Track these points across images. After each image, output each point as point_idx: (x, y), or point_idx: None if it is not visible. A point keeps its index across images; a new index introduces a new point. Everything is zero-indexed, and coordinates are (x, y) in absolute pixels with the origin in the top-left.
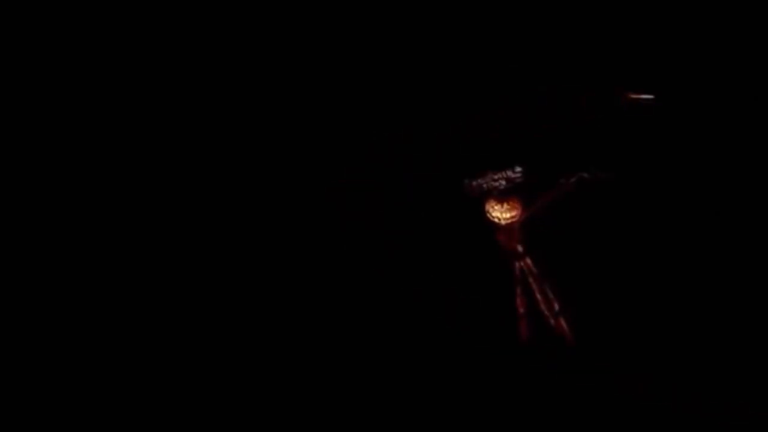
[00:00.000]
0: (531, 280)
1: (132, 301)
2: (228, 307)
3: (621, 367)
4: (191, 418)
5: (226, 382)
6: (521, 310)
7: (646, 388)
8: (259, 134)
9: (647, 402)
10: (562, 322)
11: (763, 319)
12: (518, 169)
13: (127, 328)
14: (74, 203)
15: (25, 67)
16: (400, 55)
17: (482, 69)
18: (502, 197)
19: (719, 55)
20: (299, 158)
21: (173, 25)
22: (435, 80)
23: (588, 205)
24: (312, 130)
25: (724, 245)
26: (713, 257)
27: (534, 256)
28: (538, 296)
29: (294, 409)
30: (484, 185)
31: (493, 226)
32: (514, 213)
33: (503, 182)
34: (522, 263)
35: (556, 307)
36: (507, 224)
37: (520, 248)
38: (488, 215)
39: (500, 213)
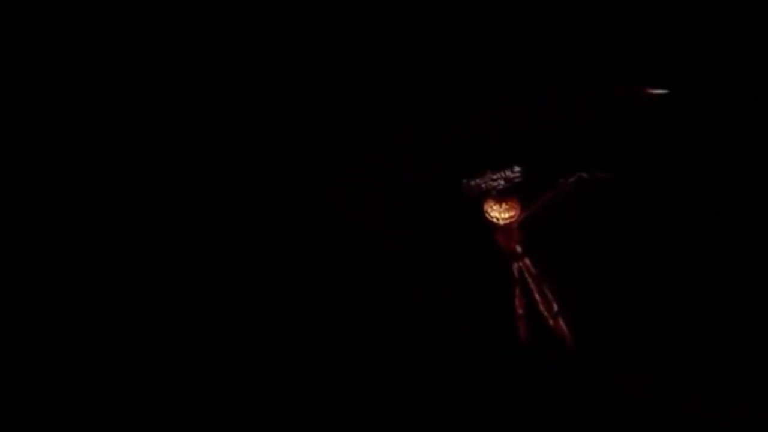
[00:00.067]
0: (530, 280)
1: (132, 300)
2: (228, 307)
3: (620, 368)
4: (191, 418)
5: (227, 382)
6: (520, 310)
7: (646, 388)
8: (259, 134)
9: (647, 402)
10: (561, 322)
11: (763, 319)
12: (517, 168)
13: (127, 328)
14: (74, 203)
15: (25, 67)
16: (401, 55)
17: (482, 69)
18: (500, 197)
19: (719, 56)
20: (299, 158)
21: (173, 25)
22: (435, 80)
23: (587, 205)
24: (312, 130)
25: (724, 245)
26: (713, 257)
27: (533, 257)
28: (537, 297)
29: (294, 409)
30: (483, 185)
31: (492, 226)
32: (512, 213)
33: (502, 182)
34: (521, 263)
35: (555, 307)
36: (506, 224)
37: (518, 248)
38: (487, 215)
39: (499, 213)
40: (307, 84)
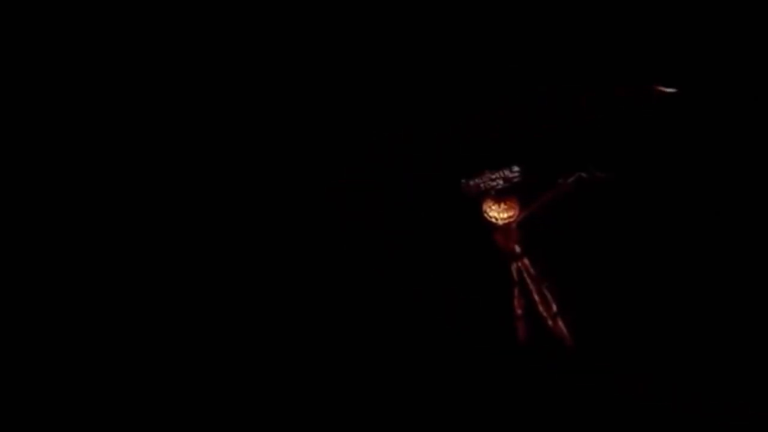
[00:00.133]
0: (529, 280)
1: (132, 300)
2: (228, 307)
3: (619, 368)
4: (191, 418)
5: (227, 382)
6: (519, 310)
7: (645, 389)
8: (259, 134)
9: (646, 402)
10: (560, 322)
11: (763, 319)
12: (516, 168)
13: (127, 328)
14: (74, 203)
15: (25, 67)
16: (401, 55)
17: (482, 69)
18: (499, 197)
19: (718, 56)
20: (299, 158)
21: (173, 26)
22: (435, 80)
23: (586, 206)
24: (312, 130)
25: (724, 245)
26: (713, 257)
27: (532, 257)
28: (536, 297)
29: (294, 409)
30: (482, 185)
31: (491, 226)
32: (511, 213)
33: (501, 182)
34: (520, 263)
35: (554, 307)
36: (504, 224)
37: (517, 249)
38: (485, 215)
39: (497, 213)
40: (307, 84)
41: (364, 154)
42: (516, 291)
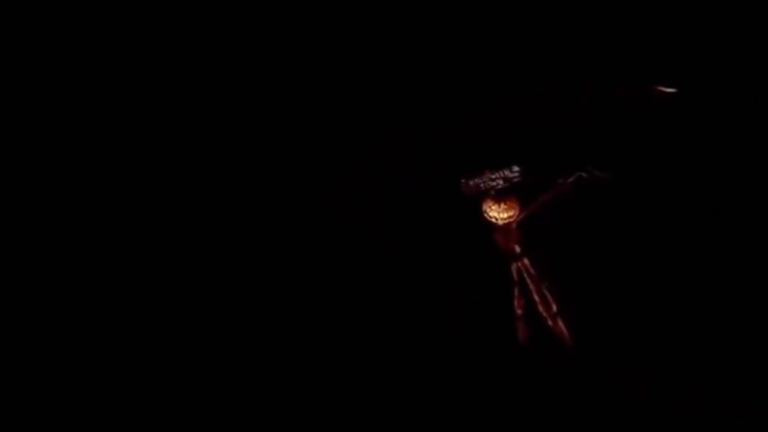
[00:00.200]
0: (529, 280)
1: (132, 300)
2: (228, 307)
3: (619, 368)
4: (191, 418)
5: (227, 382)
6: (519, 311)
7: (645, 389)
8: (259, 134)
9: (646, 402)
10: (560, 323)
11: (763, 319)
12: (516, 168)
13: (127, 328)
14: (74, 203)
15: (26, 67)
16: (400, 55)
17: (482, 69)
18: (499, 197)
19: (718, 56)
20: (299, 158)
21: (173, 26)
22: (435, 80)
23: (586, 206)
24: (312, 130)
25: (724, 245)
26: (713, 257)
27: (532, 257)
28: (536, 297)
29: (294, 409)
30: (482, 185)
31: (491, 226)
32: (511, 213)
33: (501, 182)
34: (520, 264)
35: (554, 308)
36: (504, 224)
37: (517, 249)
38: (485, 215)
39: (497, 213)
40: (307, 84)
41: (364, 154)
42: (516, 291)
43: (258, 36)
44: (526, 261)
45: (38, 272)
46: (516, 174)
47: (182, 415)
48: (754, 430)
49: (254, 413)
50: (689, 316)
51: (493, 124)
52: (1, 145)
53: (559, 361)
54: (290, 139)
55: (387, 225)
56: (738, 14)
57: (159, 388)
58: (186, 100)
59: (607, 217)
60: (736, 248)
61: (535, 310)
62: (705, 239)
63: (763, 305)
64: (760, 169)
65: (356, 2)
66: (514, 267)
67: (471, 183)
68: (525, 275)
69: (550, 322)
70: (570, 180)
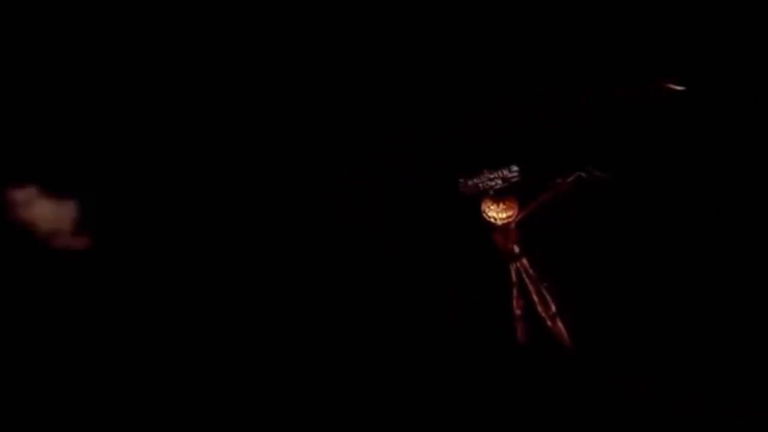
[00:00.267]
0: (528, 281)
1: (132, 300)
2: (228, 307)
3: (618, 368)
4: (191, 418)
5: (227, 382)
6: (518, 311)
7: (645, 389)
8: (259, 134)
9: (645, 402)
10: (559, 323)
11: (763, 319)
12: (515, 168)
13: (127, 328)
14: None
15: (26, 68)
16: (400, 55)
17: (482, 69)
18: (498, 197)
19: (718, 56)
20: (299, 158)
21: (173, 26)
22: (434, 80)
23: (585, 206)
24: (312, 130)
25: (724, 245)
26: (712, 257)
27: (531, 257)
28: (535, 297)
29: (294, 409)
30: (480, 185)
31: (490, 227)
32: (510, 213)
33: (499, 182)
34: (519, 264)
35: (553, 308)
36: (503, 224)
37: (516, 249)
38: (484, 215)
39: (496, 213)
40: (307, 84)
41: (364, 154)
42: (515, 291)
43: (258, 36)
44: (525, 261)
45: (38, 272)
46: (515, 174)
47: (182, 415)
48: (754, 430)
49: (254, 413)
50: (689, 316)
51: (493, 124)
52: (1, 145)
53: (558, 362)
54: (290, 139)
55: (387, 225)
56: (737, 14)
57: (159, 388)
58: (186, 100)
59: (607, 217)
60: (736, 248)
61: (534, 311)
62: (705, 239)
63: (763, 305)
64: (760, 169)
65: (356, 2)
66: (513, 267)
67: (470, 183)
68: (524, 275)
69: (549, 323)
70: (569, 180)
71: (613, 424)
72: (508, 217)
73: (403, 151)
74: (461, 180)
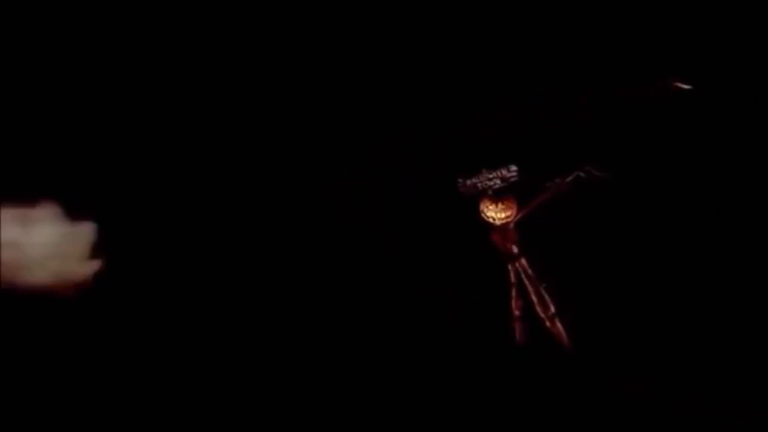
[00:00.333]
0: (527, 281)
1: (131, 300)
2: (228, 307)
3: (617, 369)
4: (191, 418)
5: (227, 382)
6: (517, 312)
7: (644, 389)
8: (259, 134)
9: (645, 403)
10: (558, 324)
11: (763, 319)
12: (513, 168)
13: (126, 328)
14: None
15: (26, 67)
16: (400, 55)
17: (482, 69)
18: (496, 197)
19: (718, 55)
20: (299, 158)
21: (173, 25)
22: (434, 80)
23: (585, 206)
24: (312, 130)
25: (724, 245)
26: (712, 257)
27: (530, 257)
28: (534, 298)
29: (294, 409)
30: (479, 184)
31: (488, 227)
32: (509, 213)
33: (498, 181)
34: (517, 264)
35: (552, 309)
36: (502, 224)
37: (515, 249)
38: (482, 215)
39: (495, 213)
40: (306, 84)
41: (364, 154)
42: (513, 292)
43: (258, 36)
44: (523, 261)
45: None
46: (514, 173)
47: (182, 415)
48: (754, 430)
49: (254, 413)
50: (688, 316)
51: (492, 124)
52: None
53: (557, 362)
54: (290, 139)
55: (386, 225)
56: (737, 13)
57: (159, 388)
58: (186, 100)
59: (606, 217)
60: (735, 248)
61: (533, 311)
62: (704, 239)
63: (763, 305)
64: (760, 169)
65: (356, 2)
66: (511, 267)
67: (468, 182)
68: (523, 276)
69: (548, 323)
70: (568, 180)
71: (612, 424)
72: (507, 217)
73: (403, 151)
74: (460, 180)
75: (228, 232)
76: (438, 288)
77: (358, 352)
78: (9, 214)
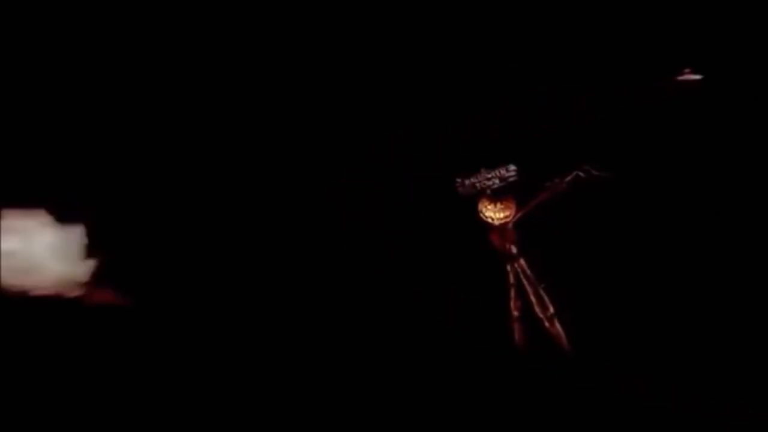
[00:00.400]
0: (525, 282)
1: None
2: (228, 307)
3: (616, 369)
4: (192, 418)
5: (227, 382)
6: (515, 312)
7: (643, 389)
8: (259, 134)
9: (644, 403)
10: (557, 324)
11: (763, 319)
12: (512, 167)
13: (126, 328)
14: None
15: (26, 67)
16: (400, 55)
17: (481, 69)
18: (495, 196)
19: (718, 55)
20: (299, 158)
21: (173, 25)
22: (434, 80)
23: (584, 205)
24: (312, 130)
25: (723, 245)
26: (712, 257)
27: (528, 258)
28: (533, 299)
29: (294, 409)
30: (477, 184)
31: (487, 227)
32: (507, 213)
33: (497, 181)
34: (516, 265)
35: (551, 309)
36: (500, 224)
37: (513, 249)
38: (481, 215)
39: (493, 213)
40: (306, 84)
41: (364, 154)
42: (512, 292)
43: (258, 36)
44: (522, 262)
45: None
46: (512, 173)
47: (182, 415)
48: (754, 430)
49: (254, 413)
50: (688, 316)
51: (491, 123)
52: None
53: (556, 363)
54: (290, 139)
55: (386, 225)
56: (737, 13)
57: (159, 388)
58: (186, 100)
59: (605, 217)
60: (735, 248)
61: (531, 312)
62: (704, 239)
63: (763, 305)
64: (759, 169)
65: (356, 2)
66: (510, 268)
67: (467, 182)
68: (521, 276)
69: (547, 324)
70: (567, 179)
71: (612, 425)
72: (506, 217)
73: (401, 151)
74: (458, 179)
75: (228, 232)
76: (437, 288)
77: (357, 352)
78: (7, 223)
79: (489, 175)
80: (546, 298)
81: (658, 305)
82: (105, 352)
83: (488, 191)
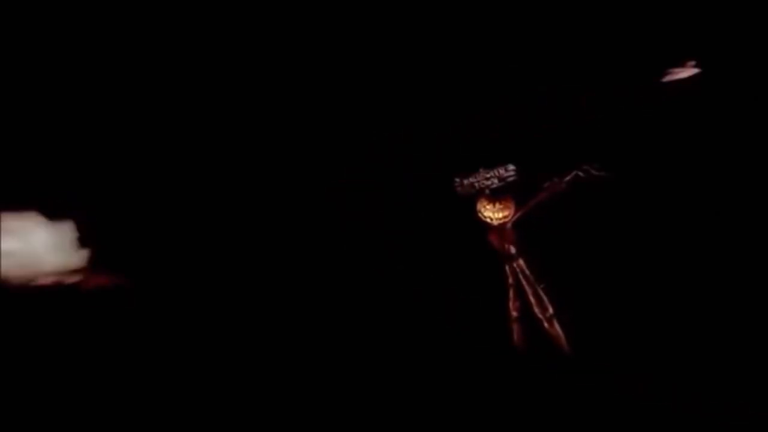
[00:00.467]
0: (524, 282)
1: (131, 300)
2: (228, 307)
3: (616, 369)
4: (192, 418)
5: (227, 383)
6: (514, 313)
7: (643, 390)
8: (259, 134)
9: (643, 403)
10: (557, 325)
11: (763, 319)
12: (511, 167)
13: (126, 328)
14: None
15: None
16: (400, 55)
17: (482, 69)
18: (494, 196)
19: (718, 55)
20: (299, 158)
21: (173, 25)
22: (434, 80)
23: (583, 205)
24: (312, 130)
25: (723, 245)
26: (712, 257)
27: (527, 258)
28: (532, 299)
29: (294, 409)
30: (476, 184)
31: (485, 227)
32: (506, 213)
33: (496, 181)
34: (515, 265)
35: (550, 309)
36: (499, 224)
37: (512, 249)
38: (480, 215)
39: (492, 213)
40: (307, 84)
41: (364, 154)
42: (511, 293)
43: (258, 36)
44: (521, 262)
45: None
46: (511, 173)
47: (182, 415)
48: (754, 430)
49: (254, 413)
50: (688, 316)
51: (490, 123)
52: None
53: (556, 364)
54: (290, 139)
55: (385, 224)
56: (737, 13)
57: (159, 388)
58: (185, 100)
59: (605, 217)
60: (735, 248)
61: (531, 312)
62: (704, 239)
63: (763, 305)
64: (759, 169)
65: (356, 2)
66: (509, 268)
67: (465, 182)
68: (520, 276)
69: (546, 324)
70: (566, 179)
71: (612, 425)
72: (505, 217)
73: (401, 151)
74: (457, 179)
75: (228, 232)
76: (435, 288)
77: (356, 352)
78: (4, 225)
79: (488, 175)
80: (545, 299)
81: (658, 305)
82: (104, 336)
83: (487, 191)
